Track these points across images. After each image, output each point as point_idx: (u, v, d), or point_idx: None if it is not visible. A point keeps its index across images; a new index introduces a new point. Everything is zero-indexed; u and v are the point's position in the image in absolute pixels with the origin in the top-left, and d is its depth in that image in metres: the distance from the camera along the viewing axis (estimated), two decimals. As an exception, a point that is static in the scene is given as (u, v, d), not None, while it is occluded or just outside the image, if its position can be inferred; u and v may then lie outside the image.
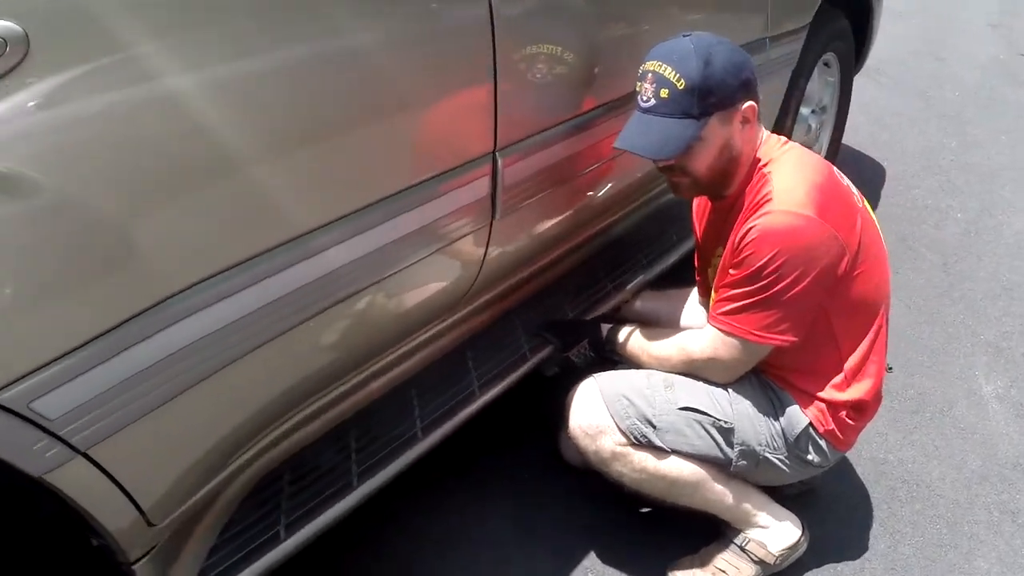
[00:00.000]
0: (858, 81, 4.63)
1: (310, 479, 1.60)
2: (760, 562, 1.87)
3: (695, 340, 1.79)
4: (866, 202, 1.82)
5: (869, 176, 3.87)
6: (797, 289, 1.62)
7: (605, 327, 1.96)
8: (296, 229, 1.27)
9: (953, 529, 2.12)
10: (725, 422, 1.75)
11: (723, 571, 1.88)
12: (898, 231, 3.43)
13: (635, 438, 1.74)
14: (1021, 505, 2.20)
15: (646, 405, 1.74)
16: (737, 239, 1.68)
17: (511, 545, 2.02)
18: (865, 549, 2.05)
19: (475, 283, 1.71)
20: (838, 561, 2.01)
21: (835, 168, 1.80)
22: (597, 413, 1.77)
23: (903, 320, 2.89)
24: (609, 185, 2.03)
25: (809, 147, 3.13)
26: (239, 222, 1.20)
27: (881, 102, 4.65)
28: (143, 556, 1.30)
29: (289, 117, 1.22)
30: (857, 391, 1.78)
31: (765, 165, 1.72)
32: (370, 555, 1.96)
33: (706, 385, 1.79)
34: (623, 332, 1.93)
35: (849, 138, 4.02)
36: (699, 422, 1.75)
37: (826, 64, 3.16)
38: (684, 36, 1.65)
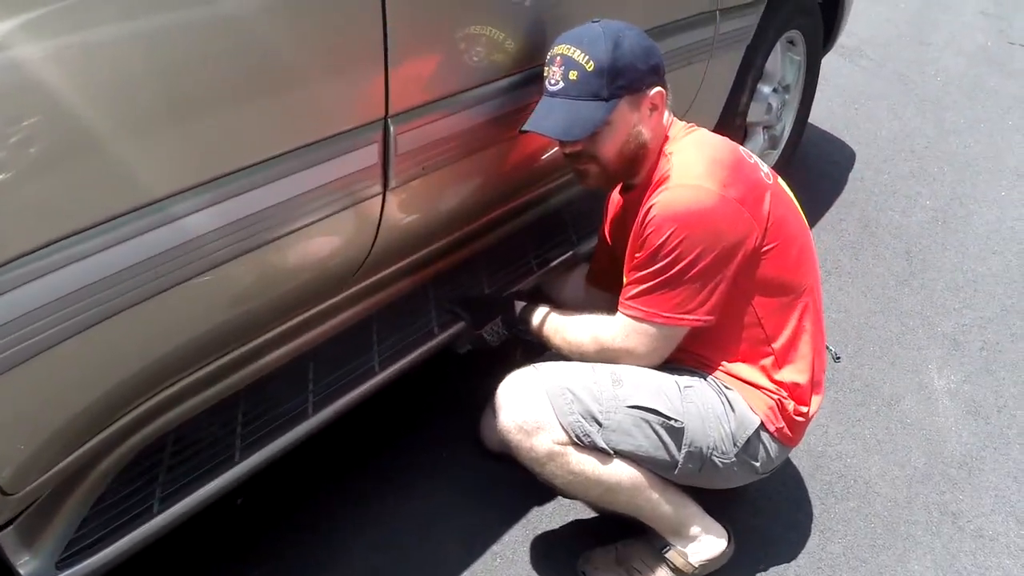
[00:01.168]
0: (837, 62, 4.56)
1: (191, 452, 1.55)
2: (677, 570, 1.79)
3: (607, 327, 1.70)
4: (780, 180, 1.77)
5: (838, 158, 3.74)
6: (703, 264, 1.56)
7: (519, 305, 1.86)
8: (161, 192, 1.19)
9: (889, 529, 2.03)
10: (676, 421, 1.64)
11: (638, 571, 1.80)
12: (862, 216, 3.32)
13: (576, 437, 1.61)
14: (964, 507, 2.11)
15: (592, 401, 1.61)
16: (640, 219, 1.63)
17: (420, 526, 1.94)
18: (793, 546, 1.97)
19: (370, 255, 1.60)
20: (763, 557, 1.93)
21: (741, 147, 1.76)
22: (537, 407, 1.62)
23: (857, 308, 2.80)
24: (523, 161, 1.91)
25: (771, 126, 3.06)
26: (105, 185, 1.13)
27: (860, 84, 4.51)
28: (7, 525, 1.28)
29: (160, 78, 1.14)
30: (791, 373, 1.72)
31: (668, 147, 1.69)
32: (276, 536, 1.88)
33: (655, 379, 1.68)
34: (537, 312, 1.83)
35: (822, 119, 3.93)
36: (648, 422, 1.63)
37: (791, 42, 3.04)
38: (593, 22, 1.63)
